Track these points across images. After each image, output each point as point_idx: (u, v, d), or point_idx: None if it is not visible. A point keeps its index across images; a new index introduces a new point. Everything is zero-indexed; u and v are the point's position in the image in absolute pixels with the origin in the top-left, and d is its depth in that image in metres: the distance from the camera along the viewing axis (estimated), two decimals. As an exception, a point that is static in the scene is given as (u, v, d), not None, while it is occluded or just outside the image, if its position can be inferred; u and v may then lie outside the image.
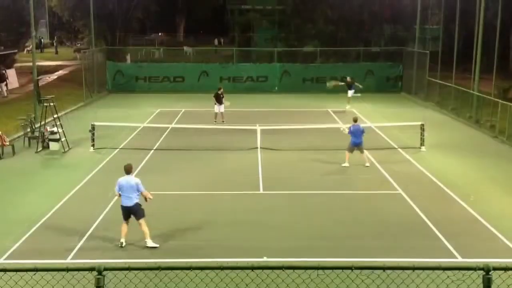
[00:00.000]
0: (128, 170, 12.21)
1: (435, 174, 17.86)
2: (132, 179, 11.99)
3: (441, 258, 11.29)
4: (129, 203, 11.88)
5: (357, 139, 18.53)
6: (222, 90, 26.67)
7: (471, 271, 5.11)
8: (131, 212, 11.94)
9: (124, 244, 11.96)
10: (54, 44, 67.94)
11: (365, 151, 18.88)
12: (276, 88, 38.23)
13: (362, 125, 19.87)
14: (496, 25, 27.40)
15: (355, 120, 19.21)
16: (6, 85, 36.27)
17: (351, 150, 18.66)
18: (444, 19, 35.62)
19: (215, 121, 26.05)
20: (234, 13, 51.88)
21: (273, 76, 38.44)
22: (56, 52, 64.44)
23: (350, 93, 30.54)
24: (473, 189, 16.46)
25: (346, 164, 18.51)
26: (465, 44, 39.41)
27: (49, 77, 37.88)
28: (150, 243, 11.92)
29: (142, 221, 11.92)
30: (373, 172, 18.24)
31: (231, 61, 42.28)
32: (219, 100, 26.21)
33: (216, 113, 26.35)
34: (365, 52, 42.53)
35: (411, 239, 12.71)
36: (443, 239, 12.50)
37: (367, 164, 18.62)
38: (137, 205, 11.91)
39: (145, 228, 11.92)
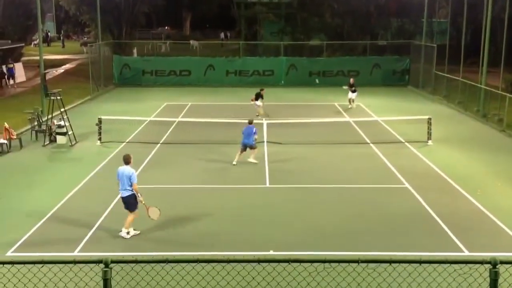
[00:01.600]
0: (126, 160, 12.25)
1: (442, 168, 17.80)
2: (127, 170, 12.04)
3: (448, 252, 11.27)
4: (124, 193, 12.00)
5: (247, 140, 18.23)
6: (264, 91, 26.72)
7: (478, 265, 5.09)
8: (125, 203, 12.04)
9: (132, 234, 12.10)
10: (61, 38, 68.08)
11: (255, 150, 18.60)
12: (283, 82, 38.17)
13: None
14: (504, 18, 27.22)
15: (250, 122, 18.84)
16: (13, 78, 36.48)
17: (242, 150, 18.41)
18: (451, 12, 35.40)
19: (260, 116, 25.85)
20: (241, 6, 51.70)
21: (279, 70, 38.37)
22: (63, 46, 64.59)
23: (352, 95, 28.78)
24: (480, 183, 16.40)
25: (234, 163, 18.22)
26: (472, 37, 39.25)
27: (56, 71, 37.98)
28: (123, 233, 12.03)
29: (131, 214, 12.03)
30: (380, 166, 18.20)
31: (238, 55, 42.23)
32: (258, 97, 26.16)
33: (260, 111, 26.20)
34: (371, 45, 42.35)
35: (417, 233, 12.67)
36: (450, 233, 12.46)
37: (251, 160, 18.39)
38: (131, 196, 11.96)
39: (130, 219, 12.01)
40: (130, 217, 12.06)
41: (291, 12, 48.68)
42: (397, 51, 41.36)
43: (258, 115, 25.62)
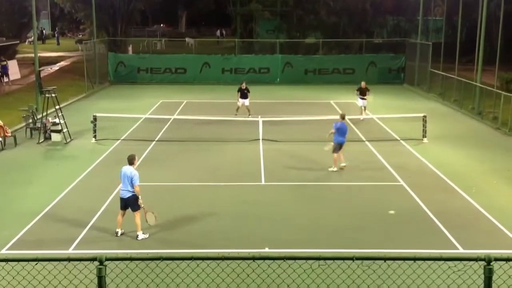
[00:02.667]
0: (130, 160, 12.20)
1: (437, 165, 17.84)
2: (129, 171, 11.94)
3: (443, 249, 11.29)
4: (126, 194, 11.89)
5: (343, 137, 17.15)
6: (245, 84, 26.26)
7: (473, 262, 5.11)
8: (127, 204, 11.95)
9: (120, 233, 12.01)
10: (56, 35, 67.87)
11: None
12: (278, 79, 38.16)
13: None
14: (499, 16, 27.28)
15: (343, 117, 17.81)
16: (7, 76, 36.35)
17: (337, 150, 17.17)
18: (447, 10, 35.46)
19: (236, 114, 25.54)
20: (236, 4, 51.64)
21: (275, 68, 38.36)
22: (58, 43, 64.36)
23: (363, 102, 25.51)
24: (475, 180, 16.44)
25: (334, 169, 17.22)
26: (468, 35, 39.29)
27: (51, 68, 37.85)
28: (141, 235, 11.92)
29: (137, 213, 11.93)
30: (375, 164, 18.22)
31: (233, 52, 42.19)
32: (243, 95, 25.88)
33: (238, 107, 25.91)
34: (367, 43, 42.40)
35: (412, 230, 12.70)
36: (444, 230, 12.48)
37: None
38: (134, 197, 11.88)
39: (138, 221, 11.89)
40: (138, 219, 11.92)
41: (287, 9, 48.67)
42: (393, 49, 41.43)
43: (237, 114, 25.42)
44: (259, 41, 47.90)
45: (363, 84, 25.86)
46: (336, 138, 17.13)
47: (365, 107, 25.43)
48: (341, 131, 17.14)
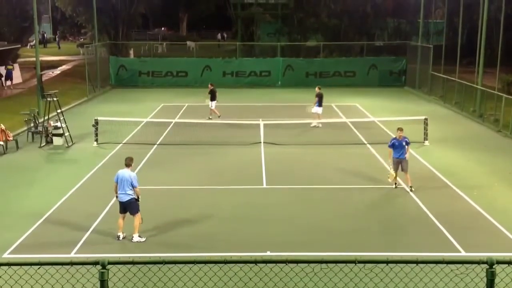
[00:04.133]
0: (127, 162, 12.21)
1: (439, 168, 17.83)
2: (128, 173, 11.97)
3: (445, 252, 11.27)
4: (125, 197, 11.91)
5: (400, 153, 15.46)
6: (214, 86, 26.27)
7: (475, 265, 5.11)
8: (126, 207, 11.98)
9: (121, 237, 12.02)
10: (56, 39, 68.00)
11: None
12: (279, 82, 38.18)
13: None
14: (500, 19, 27.29)
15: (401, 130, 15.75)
16: (11, 80, 36.46)
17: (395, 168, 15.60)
18: (447, 13, 35.49)
19: (210, 118, 25.74)
20: (237, 7, 51.74)
21: (276, 71, 38.38)
22: (59, 47, 64.49)
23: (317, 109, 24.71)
24: (477, 183, 16.43)
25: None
26: (469, 38, 39.33)
27: (52, 72, 37.92)
28: (136, 238, 11.94)
29: (136, 216, 11.95)
30: (376, 167, 18.21)
31: (234, 55, 42.23)
32: (214, 96, 25.98)
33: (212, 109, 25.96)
34: (368, 46, 42.41)
35: (414, 233, 12.69)
36: (446, 233, 12.48)
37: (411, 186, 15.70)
38: (132, 199, 11.91)
39: (137, 223, 11.93)
40: (137, 221, 11.95)
41: (287, 12, 48.74)
42: (394, 52, 41.45)
43: (211, 117, 25.54)
44: (260, 44, 47.97)
45: (317, 89, 25.16)
46: None
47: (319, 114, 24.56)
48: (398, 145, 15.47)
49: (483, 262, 4.99)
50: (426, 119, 21.31)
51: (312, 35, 48.52)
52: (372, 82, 37.64)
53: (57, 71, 41.61)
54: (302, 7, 47.51)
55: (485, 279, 5.07)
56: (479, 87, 26.96)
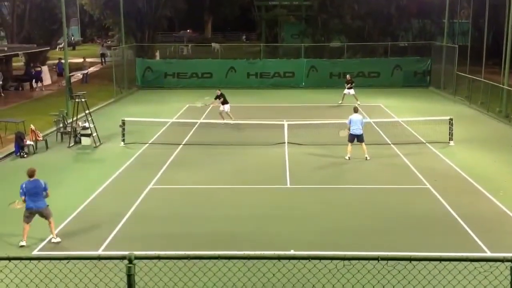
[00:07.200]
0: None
1: (464, 168, 17.68)
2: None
3: (470, 252, 11.19)
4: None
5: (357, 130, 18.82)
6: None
7: (499, 263, 5.12)
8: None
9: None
10: (79, 42, 69.01)
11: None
12: (303, 83, 38.18)
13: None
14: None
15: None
16: (41, 81, 37.32)
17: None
18: (473, 13, 35.07)
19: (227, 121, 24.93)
20: (261, 9, 51.89)
21: (300, 72, 38.37)
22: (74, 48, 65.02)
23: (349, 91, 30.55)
24: (503, 184, 16.26)
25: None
26: (494, 38, 38.81)
27: (81, 74, 38.51)
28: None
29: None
30: (401, 167, 18.15)
31: (258, 57, 42.37)
32: (226, 100, 25.63)
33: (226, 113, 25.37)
34: (392, 46, 42.13)
35: (439, 234, 12.63)
36: (472, 234, 12.40)
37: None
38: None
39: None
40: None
41: (311, 14, 48.71)
42: (418, 52, 41.11)
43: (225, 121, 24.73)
44: (284, 46, 48.01)
45: (348, 76, 31.08)
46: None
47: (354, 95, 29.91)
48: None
49: (508, 260, 5.01)
50: (451, 119, 21.13)
51: (335, 36, 48.40)
52: (396, 83, 37.38)
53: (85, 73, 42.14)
54: (326, 9, 47.43)
55: (509, 277, 5.07)
56: (505, 87, 26.62)
